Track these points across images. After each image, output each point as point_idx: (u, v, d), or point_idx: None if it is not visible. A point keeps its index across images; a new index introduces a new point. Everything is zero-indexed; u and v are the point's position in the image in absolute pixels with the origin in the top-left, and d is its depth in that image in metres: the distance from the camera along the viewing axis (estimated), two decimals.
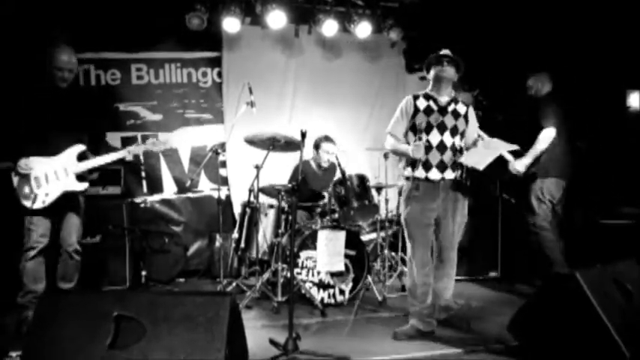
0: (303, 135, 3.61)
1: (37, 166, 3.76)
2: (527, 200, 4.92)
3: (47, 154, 3.81)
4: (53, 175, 3.80)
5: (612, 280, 2.90)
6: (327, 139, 5.45)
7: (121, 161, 5.60)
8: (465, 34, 6.28)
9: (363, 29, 5.86)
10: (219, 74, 6.07)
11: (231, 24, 5.58)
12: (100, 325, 2.35)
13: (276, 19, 5.56)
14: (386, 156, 5.32)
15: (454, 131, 3.73)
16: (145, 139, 4.33)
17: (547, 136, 4.73)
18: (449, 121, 3.72)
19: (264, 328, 3.92)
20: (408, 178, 3.72)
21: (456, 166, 3.72)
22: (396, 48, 6.53)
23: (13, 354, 3.21)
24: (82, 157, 3.93)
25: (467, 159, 3.71)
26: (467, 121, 3.82)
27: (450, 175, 3.70)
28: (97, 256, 4.86)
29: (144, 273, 5.12)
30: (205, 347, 2.27)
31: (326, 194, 4.94)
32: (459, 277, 5.34)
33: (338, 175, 4.86)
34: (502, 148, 3.86)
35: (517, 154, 4.79)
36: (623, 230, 5.04)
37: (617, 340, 2.56)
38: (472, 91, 6.87)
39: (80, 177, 3.92)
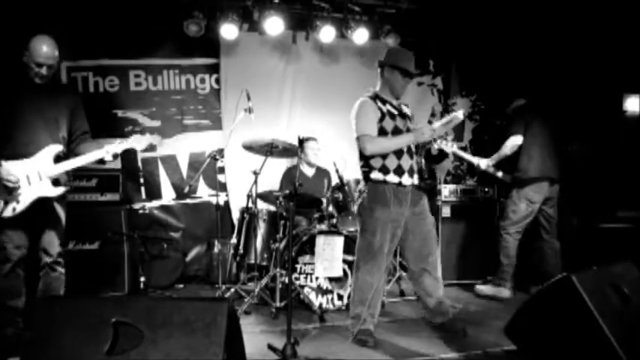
0: (301, 141, 3.64)
1: (12, 170, 3.33)
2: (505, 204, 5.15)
3: (20, 157, 3.39)
4: (25, 180, 3.37)
5: (609, 283, 2.91)
6: (307, 139, 5.56)
7: (121, 164, 5.69)
8: (461, 39, 6.32)
9: (361, 35, 5.88)
10: (217, 80, 6.09)
11: (228, 30, 5.60)
12: (98, 331, 2.35)
13: (274, 25, 5.58)
14: None
15: None
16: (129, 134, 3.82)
17: (511, 143, 4.97)
18: (409, 124, 3.76)
19: (262, 333, 3.92)
20: (377, 182, 3.65)
21: (420, 169, 3.75)
22: None
23: None
24: (58, 158, 3.51)
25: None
26: (412, 121, 3.86)
27: (416, 179, 3.73)
28: (96, 262, 4.86)
29: (142, 279, 5.12)
30: (203, 353, 2.27)
31: (324, 200, 4.95)
32: (457, 282, 5.41)
33: (335, 180, 4.88)
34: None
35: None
36: (621, 234, 5.05)
37: (614, 343, 2.56)
38: (470, 97, 6.91)
39: (55, 181, 3.50)
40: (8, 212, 3.34)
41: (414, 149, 3.73)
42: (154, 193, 5.95)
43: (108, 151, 3.55)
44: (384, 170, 3.64)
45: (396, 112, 3.72)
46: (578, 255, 4.96)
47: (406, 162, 3.66)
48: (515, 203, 4.97)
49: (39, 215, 3.47)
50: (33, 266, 3.56)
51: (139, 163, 5.89)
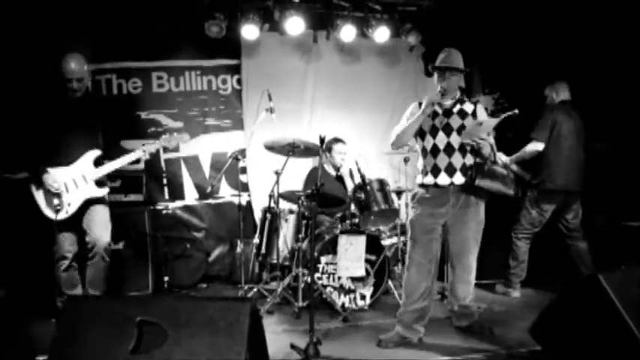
0: (322, 140, 3.63)
1: (57, 177, 3.81)
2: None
3: (63, 164, 3.86)
4: (73, 184, 3.84)
5: (636, 282, 2.85)
6: (336, 140, 5.52)
7: (144, 164, 5.77)
8: (483, 36, 6.25)
9: (382, 34, 5.86)
10: (239, 81, 6.12)
11: (249, 31, 5.62)
12: (123, 329, 2.38)
13: (295, 25, 5.59)
14: (406, 160, 5.35)
15: (461, 131, 3.63)
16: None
17: (530, 149, 4.84)
18: (455, 122, 3.66)
19: (285, 332, 3.94)
20: (420, 185, 3.73)
21: (466, 168, 3.63)
22: (415, 52, 6.52)
23: (40, 358, 3.28)
24: (98, 162, 3.98)
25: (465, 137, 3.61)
26: (475, 118, 3.70)
27: (459, 179, 3.61)
28: (120, 262, 4.91)
29: (166, 278, 5.18)
30: (226, 352, 2.29)
31: (347, 199, 4.94)
32: (481, 281, 5.35)
33: (358, 179, 4.86)
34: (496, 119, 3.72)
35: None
36: None
37: None
38: (493, 94, 6.83)
39: (99, 183, 3.97)
40: (62, 215, 3.80)
41: (456, 146, 3.64)
42: (177, 193, 6.00)
43: (145, 150, 4.08)
44: (424, 172, 3.70)
45: (440, 111, 3.69)
46: (603, 253, 4.88)
47: (442, 161, 3.62)
48: (527, 209, 4.96)
49: (86, 214, 3.92)
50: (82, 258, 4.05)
51: (162, 164, 5.94)
